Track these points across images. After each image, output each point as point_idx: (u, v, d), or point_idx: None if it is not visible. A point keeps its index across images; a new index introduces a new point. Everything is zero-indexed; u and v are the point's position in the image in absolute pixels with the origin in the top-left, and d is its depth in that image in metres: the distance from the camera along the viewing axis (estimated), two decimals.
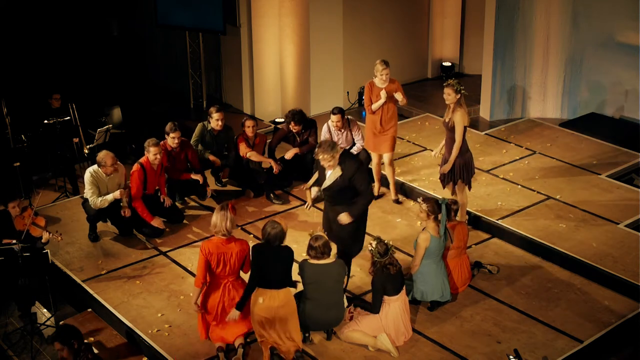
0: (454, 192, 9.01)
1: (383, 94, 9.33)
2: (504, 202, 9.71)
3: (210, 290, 7.25)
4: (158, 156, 9.09)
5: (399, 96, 9.39)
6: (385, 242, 7.21)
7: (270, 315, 7.05)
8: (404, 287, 7.35)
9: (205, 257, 7.09)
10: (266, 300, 7.05)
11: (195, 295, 7.26)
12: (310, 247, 7.20)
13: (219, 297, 7.20)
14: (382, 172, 9.99)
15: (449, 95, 8.63)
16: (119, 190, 8.99)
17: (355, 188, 7.70)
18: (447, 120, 8.73)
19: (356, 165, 7.76)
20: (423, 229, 7.71)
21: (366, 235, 8.22)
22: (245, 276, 7.32)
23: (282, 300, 7.07)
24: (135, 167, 9.08)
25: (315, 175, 8.32)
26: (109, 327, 7.90)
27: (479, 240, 9.09)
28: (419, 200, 7.87)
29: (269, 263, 7.06)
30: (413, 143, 11.40)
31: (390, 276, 7.18)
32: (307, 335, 7.36)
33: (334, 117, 9.91)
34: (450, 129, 8.69)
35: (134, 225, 9.28)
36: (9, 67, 12.86)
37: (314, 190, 8.30)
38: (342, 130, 10.07)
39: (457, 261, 7.97)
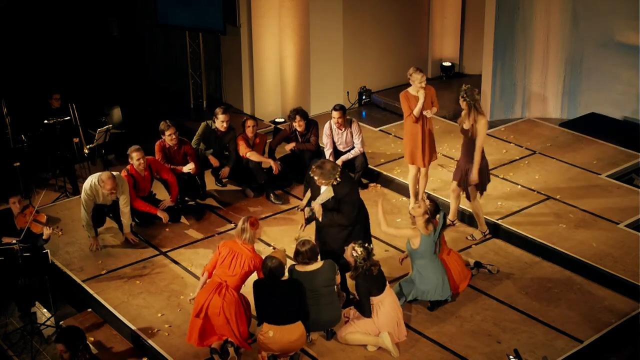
0: (470, 198, 8.98)
1: (421, 93, 8.89)
2: (504, 202, 9.71)
3: (203, 291, 7.16)
4: (142, 161, 9.02)
5: (428, 113, 9.02)
6: (365, 244, 7.20)
7: (280, 348, 6.94)
8: (387, 283, 7.36)
9: (219, 249, 7.19)
10: (277, 334, 6.89)
11: (198, 285, 7.34)
12: (297, 253, 7.12)
13: (208, 295, 7.06)
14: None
15: (462, 103, 8.60)
16: (94, 244, 8.93)
17: (342, 209, 7.63)
18: (464, 127, 8.63)
19: (348, 189, 7.60)
20: (413, 228, 7.72)
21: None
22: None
23: (296, 335, 6.93)
24: (123, 174, 9.03)
25: (308, 194, 8.09)
26: (109, 327, 7.91)
27: (479, 241, 9.09)
28: (423, 196, 7.88)
29: (274, 299, 6.90)
30: None
31: (373, 277, 7.18)
32: (307, 335, 7.34)
33: (335, 114, 9.97)
34: (469, 136, 8.63)
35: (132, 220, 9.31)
36: (9, 67, 12.86)
37: (307, 210, 8.05)
38: (343, 130, 10.09)
39: (445, 256, 7.94)
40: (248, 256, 7.11)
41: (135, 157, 9.04)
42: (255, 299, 6.99)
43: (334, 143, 10.21)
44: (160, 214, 9.18)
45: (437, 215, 7.74)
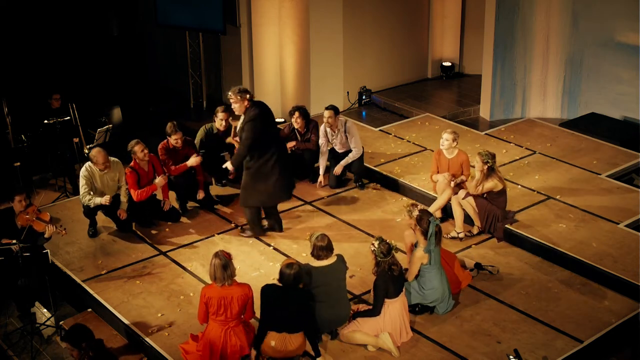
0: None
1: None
2: None
3: (211, 335, 6.89)
4: (146, 151, 9.12)
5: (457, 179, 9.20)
6: (388, 241, 7.19)
7: (280, 356, 6.90)
8: (404, 289, 7.35)
9: (205, 303, 6.85)
10: (278, 344, 6.84)
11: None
12: (319, 248, 7.08)
13: (221, 345, 6.86)
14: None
15: (477, 163, 8.77)
16: (107, 197, 8.95)
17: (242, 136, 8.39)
18: (480, 190, 8.86)
19: (250, 117, 8.34)
20: (417, 245, 7.61)
21: (368, 236, 8.16)
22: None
23: (296, 345, 6.88)
24: (127, 171, 9.10)
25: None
26: (109, 327, 7.91)
27: (479, 241, 9.09)
28: (411, 205, 7.80)
29: (279, 305, 6.80)
30: (413, 143, 11.40)
31: (394, 277, 7.16)
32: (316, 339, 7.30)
33: (325, 113, 9.95)
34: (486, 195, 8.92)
35: (132, 221, 9.34)
36: (9, 67, 12.87)
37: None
38: (336, 131, 10.04)
39: (442, 262, 7.93)
40: (236, 292, 6.84)
41: (139, 149, 9.09)
42: (262, 305, 6.90)
43: (332, 145, 10.20)
44: (156, 182, 9.20)
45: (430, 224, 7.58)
